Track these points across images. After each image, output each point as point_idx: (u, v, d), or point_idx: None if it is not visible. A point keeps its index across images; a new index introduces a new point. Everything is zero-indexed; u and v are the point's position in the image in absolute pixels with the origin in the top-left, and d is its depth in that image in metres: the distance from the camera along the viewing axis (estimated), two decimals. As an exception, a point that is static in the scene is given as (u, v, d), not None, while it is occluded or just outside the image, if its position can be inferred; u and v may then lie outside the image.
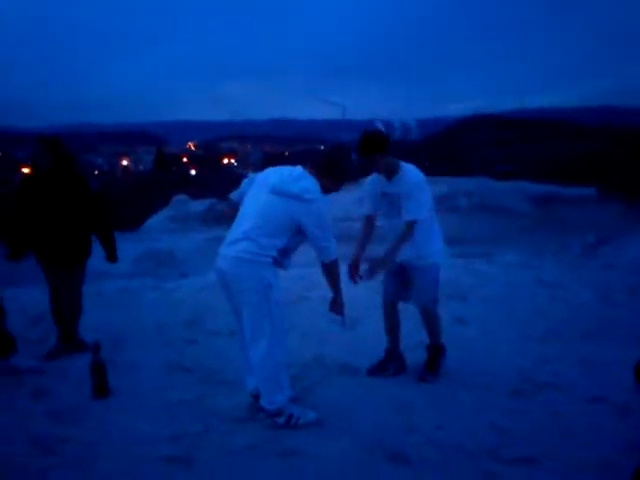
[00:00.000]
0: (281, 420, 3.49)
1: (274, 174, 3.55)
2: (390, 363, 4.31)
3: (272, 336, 3.40)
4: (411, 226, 3.85)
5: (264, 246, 3.36)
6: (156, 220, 25.40)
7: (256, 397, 3.65)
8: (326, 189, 3.49)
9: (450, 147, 71.84)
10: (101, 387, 3.92)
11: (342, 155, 3.60)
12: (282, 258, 3.48)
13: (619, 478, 2.92)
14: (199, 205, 24.13)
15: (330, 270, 3.54)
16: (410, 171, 3.95)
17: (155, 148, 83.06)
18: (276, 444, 3.31)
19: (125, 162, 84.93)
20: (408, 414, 3.71)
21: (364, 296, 5.42)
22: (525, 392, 3.99)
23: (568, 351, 4.69)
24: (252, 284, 3.37)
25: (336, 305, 3.65)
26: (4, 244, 4.58)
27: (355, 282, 4.04)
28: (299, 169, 3.52)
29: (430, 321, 4.19)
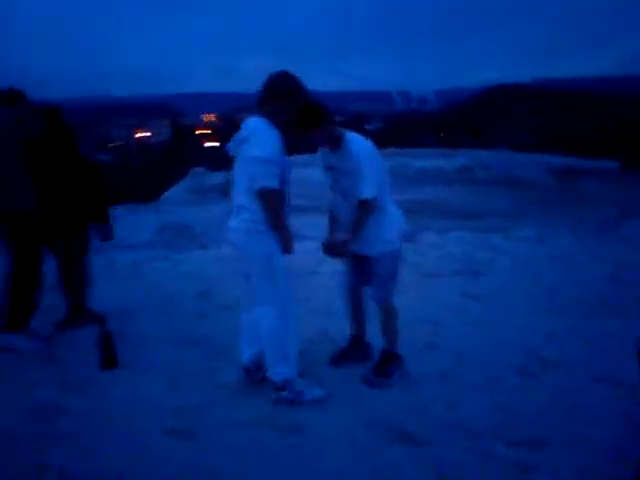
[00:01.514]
0: (287, 395, 3.48)
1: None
2: (353, 351, 4.07)
3: (279, 305, 3.39)
4: (366, 204, 3.51)
5: (257, 211, 3.30)
6: (174, 192, 25.54)
7: (248, 370, 3.67)
8: (288, 130, 3.33)
9: (470, 118, 70.87)
10: (109, 358, 3.95)
11: (285, 79, 3.32)
12: None
13: (625, 458, 2.90)
14: (217, 177, 24.18)
15: (268, 201, 3.25)
16: (355, 143, 3.55)
17: (170, 120, 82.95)
18: (279, 419, 3.32)
19: (141, 134, 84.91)
20: (415, 392, 3.69)
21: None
22: (532, 370, 3.95)
23: (576, 328, 4.62)
24: (254, 253, 3.36)
25: (284, 243, 3.38)
26: None
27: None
28: (250, 121, 3.34)
29: (387, 318, 3.83)
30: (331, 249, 3.70)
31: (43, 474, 2.83)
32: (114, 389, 3.68)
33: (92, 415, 3.35)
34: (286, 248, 3.38)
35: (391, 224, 3.71)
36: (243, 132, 3.35)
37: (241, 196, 3.37)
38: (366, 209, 3.53)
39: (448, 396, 3.61)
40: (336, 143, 3.57)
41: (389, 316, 3.83)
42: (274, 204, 3.27)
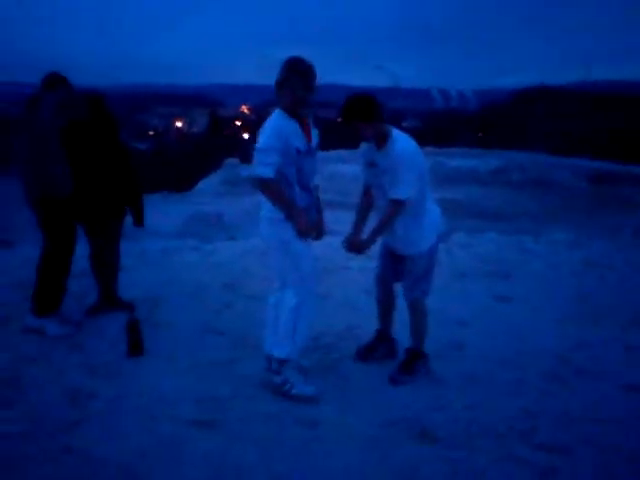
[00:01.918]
0: (277, 380, 3.50)
1: None
2: (380, 345, 4.04)
3: (297, 292, 3.43)
4: (397, 205, 3.48)
5: None
6: (208, 183, 25.78)
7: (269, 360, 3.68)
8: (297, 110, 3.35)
9: (507, 119, 69.78)
10: (135, 346, 3.99)
11: (288, 62, 3.32)
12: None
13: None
14: (250, 169, 24.26)
15: (263, 190, 3.33)
16: (400, 142, 3.51)
17: (208, 111, 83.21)
18: (299, 412, 3.32)
19: (179, 124, 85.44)
20: (438, 391, 3.66)
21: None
22: (561, 375, 3.88)
23: (611, 336, 4.52)
24: (272, 242, 3.49)
25: (297, 229, 3.38)
26: None
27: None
28: (271, 115, 3.42)
29: (416, 317, 3.79)
30: (352, 246, 3.68)
31: (67, 456, 2.88)
32: (139, 376, 3.72)
33: (117, 401, 3.39)
34: (300, 233, 3.38)
35: (430, 224, 3.70)
36: None
37: None
38: (396, 208, 3.50)
39: (472, 396, 3.57)
40: (382, 140, 3.54)
41: (419, 314, 3.80)
42: (269, 192, 3.31)
